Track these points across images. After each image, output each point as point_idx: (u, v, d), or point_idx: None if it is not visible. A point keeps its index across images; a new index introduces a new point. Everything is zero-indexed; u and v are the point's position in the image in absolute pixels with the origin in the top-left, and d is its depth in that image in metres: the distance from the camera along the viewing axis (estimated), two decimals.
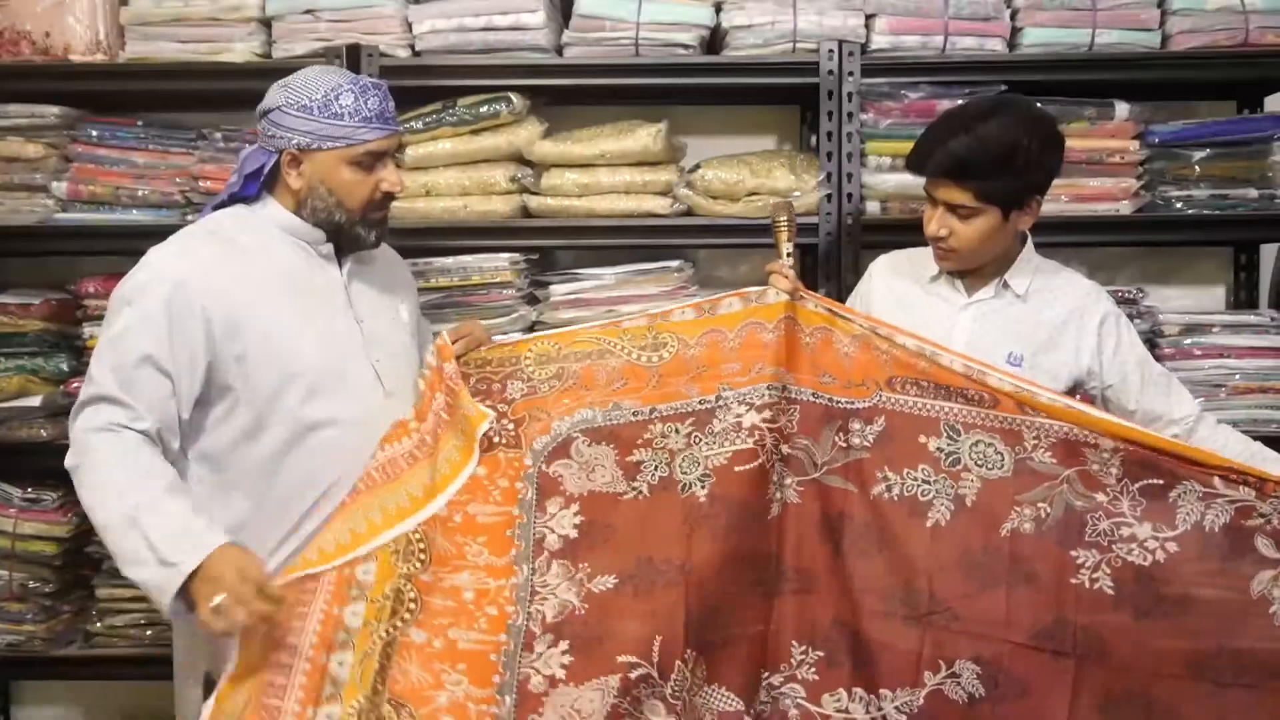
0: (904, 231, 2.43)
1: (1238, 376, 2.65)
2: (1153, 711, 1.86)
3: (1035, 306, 2.15)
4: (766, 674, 2.01)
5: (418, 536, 1.94)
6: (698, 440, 2.03)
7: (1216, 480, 1.87)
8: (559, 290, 2.68)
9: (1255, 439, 2.56)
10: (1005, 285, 2.16)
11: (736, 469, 2.02)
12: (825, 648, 2.00)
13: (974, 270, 2.17)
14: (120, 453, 1.84)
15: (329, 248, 2.02)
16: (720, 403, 2.04)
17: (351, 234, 2.01)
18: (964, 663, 1.93)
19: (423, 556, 1.94)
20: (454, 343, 2.05)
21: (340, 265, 2.04)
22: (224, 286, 1.90)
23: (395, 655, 1.91)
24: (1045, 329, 2.14)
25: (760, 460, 2.01)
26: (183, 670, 1.99)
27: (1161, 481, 1.89)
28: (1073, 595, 1.90)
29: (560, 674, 1.93)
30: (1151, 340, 2.66)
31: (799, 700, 2.01)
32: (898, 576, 1.97)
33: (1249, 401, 2.64)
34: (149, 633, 2.66)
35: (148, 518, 1.79)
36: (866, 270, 2.36)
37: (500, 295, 2.67)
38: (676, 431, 2.03)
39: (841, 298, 2.56)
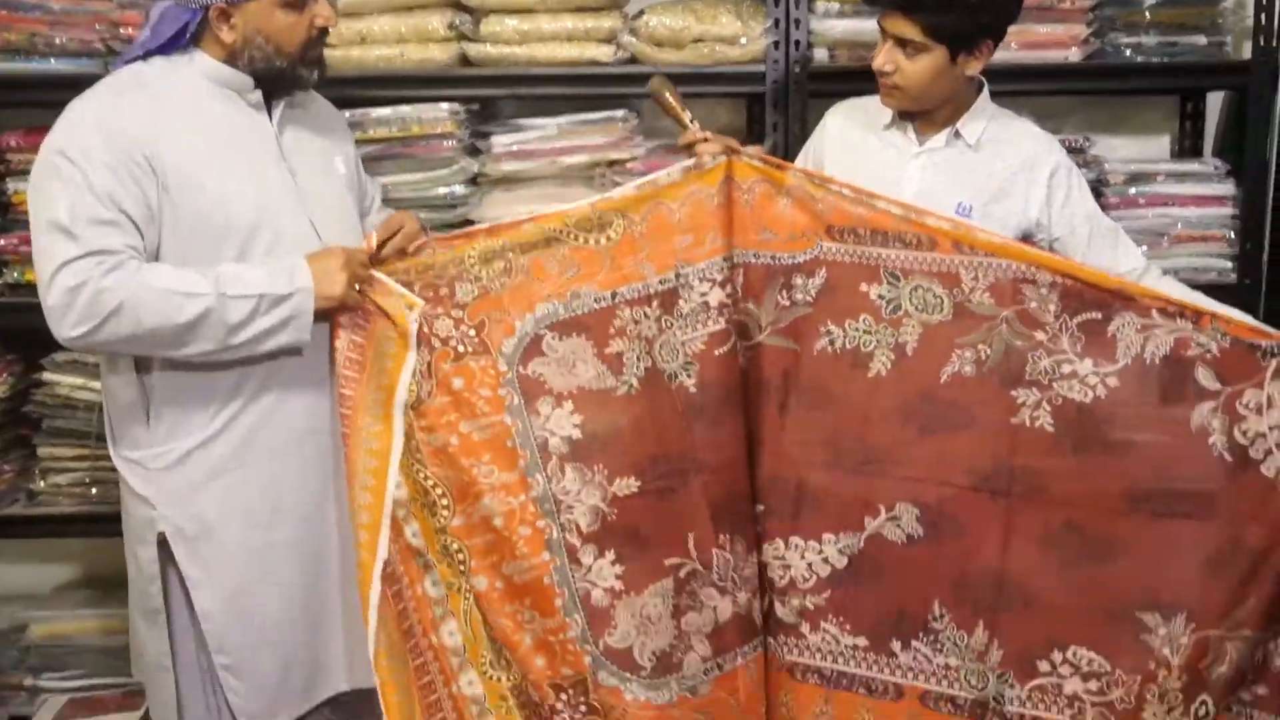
0: (852, 80, 2.38)
1: (1180, 225, 2.66)
2: (1090, 544, 1.91)
3: (987, 156, 2.13)
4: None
5: (432, 483, 1.91)
6: (669, 324, 2.03)
7: (1154, 312, 1.87)
8: (501, 141, 2.62)
9: (1195, 288, 2.60)
10: (957, 134, 2.14)
11: (716, 353, 2.04)
12: (768, 501, 2.07)
13: (926, 117, 2.14)
14: (149, 271, 1.79)
15: (258, 95, 1.94)
16: (681, 281, 2.03)
17: (293, 77, 1.94)
18: (904, 505, 1.98)
19: (445, 501, 1.92)
20: (386, 240, 1.94)
21: (270, 115, 1.97)
22: (155, 138, 1.83)
23: (484, 606, 1.94)
24: (996, 179, 2.12)
25: (734, 339, 2.04)
26: (133, 530, 1.97)
27: (1099, 315, 1.89)
28: (1013, 435, 1.93)
29: (618, 585, 1.97)
30: (1097, 189, 2.66)
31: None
32: (841, 429, 2.01)
33: (1190, 250, 2.67)
34: (94, 491, 2.65)
35: (234, 287, 1.80)
36: (821, 119, 2.32)
37: (440, 147, 2.61)
38: (646, 316, 2.01)
39: (789, 146, 2.54)
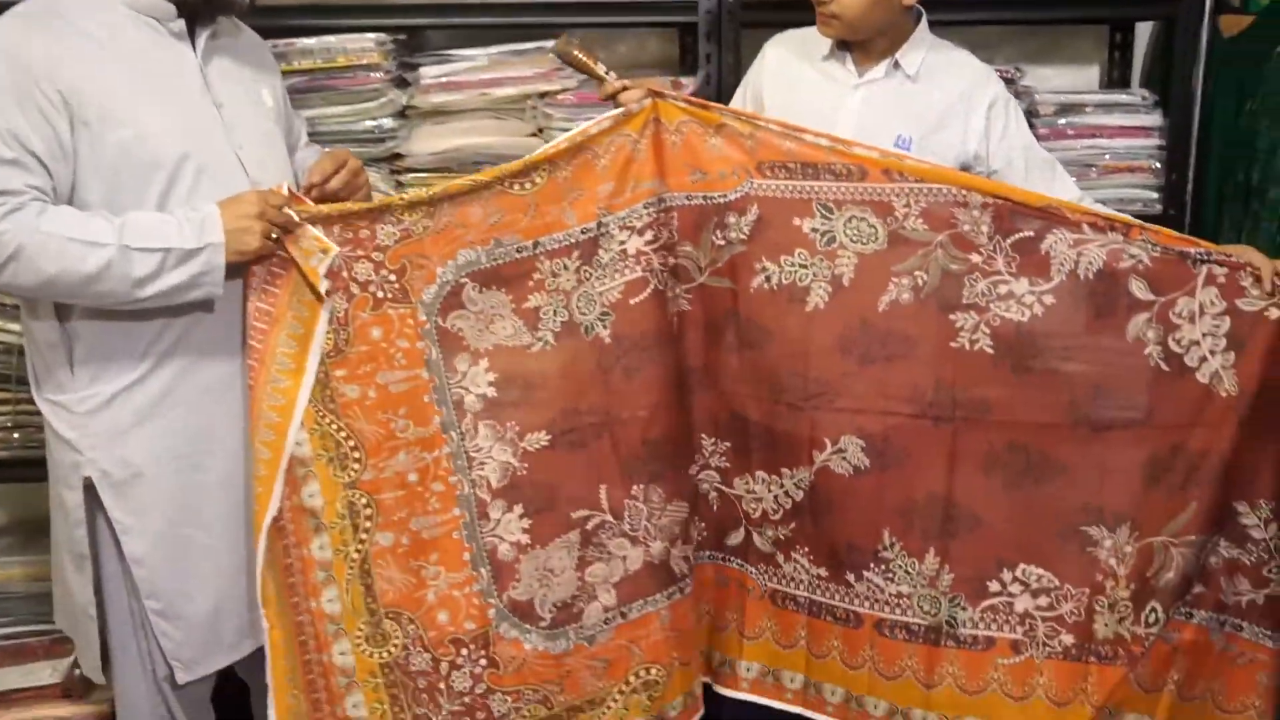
0: (787, 9, 2.35)
1: (1108, 156, 2.69)
2: (1033, 463, 1.95)
3: (926, 87, 2.13)
4: (690, 466, 2.11)
5: (344, 435, 1.89)
6: (588, 275, 2.01)
7: (1085, 227, 1.90)
8: (430, 73, 2.55)
9: None
10: (896, 65, 2.13)
11: (631, 302, 2.03)
12: (731, 438, 2.09)
13: (864, 47, 2.13)
14: (52, 215, 1.73)
15: (180, 25, 1.87)
16: (602, 230, 2.01)
17: (224, 1, 1.89)
18: (848, 438, 2.00)
19: (356, 454, 1.90)
20: (319, 182, 1.92)
21: (194, 45, 1.90)
22: (69, 71, 1.75)
23: (374, 568, 1.93)
24: (935, 110, 2.12)
25: (652, 285, 2.02)
26: (58, 474, 1.93)
27: (1032, 233, 1.92)
28: (953, 360, 1.96)
29: (525, 539, 2.00)
30: (1028, 120, 2.67)
31: (716, 485, 2.13)
32: (782, 365, 2.02)
33: (1118, 181, 2.69)
34: (16, 436, 2.58)
35: (139, 239, 1.75)
36: (758, 51, 2.29)
37: (368, 78, 2.53)
38: (565, 268, 2.00)
39: (722, 79, 2.52)
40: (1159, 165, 2.69)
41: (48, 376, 1.90)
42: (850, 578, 2.05)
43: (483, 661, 2.00)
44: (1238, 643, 1.96)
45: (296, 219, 1.84)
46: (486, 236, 1.95)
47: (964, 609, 2.01)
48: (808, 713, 2.14)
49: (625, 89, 2.03)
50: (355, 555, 1.92)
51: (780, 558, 2.10)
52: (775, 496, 2.08)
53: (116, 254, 1.73)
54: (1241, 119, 2.68)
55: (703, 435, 2.11)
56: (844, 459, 2.02)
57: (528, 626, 2.03)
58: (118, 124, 1.78)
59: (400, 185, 2.54)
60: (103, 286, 1.75)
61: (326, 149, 2.17)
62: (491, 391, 1.97)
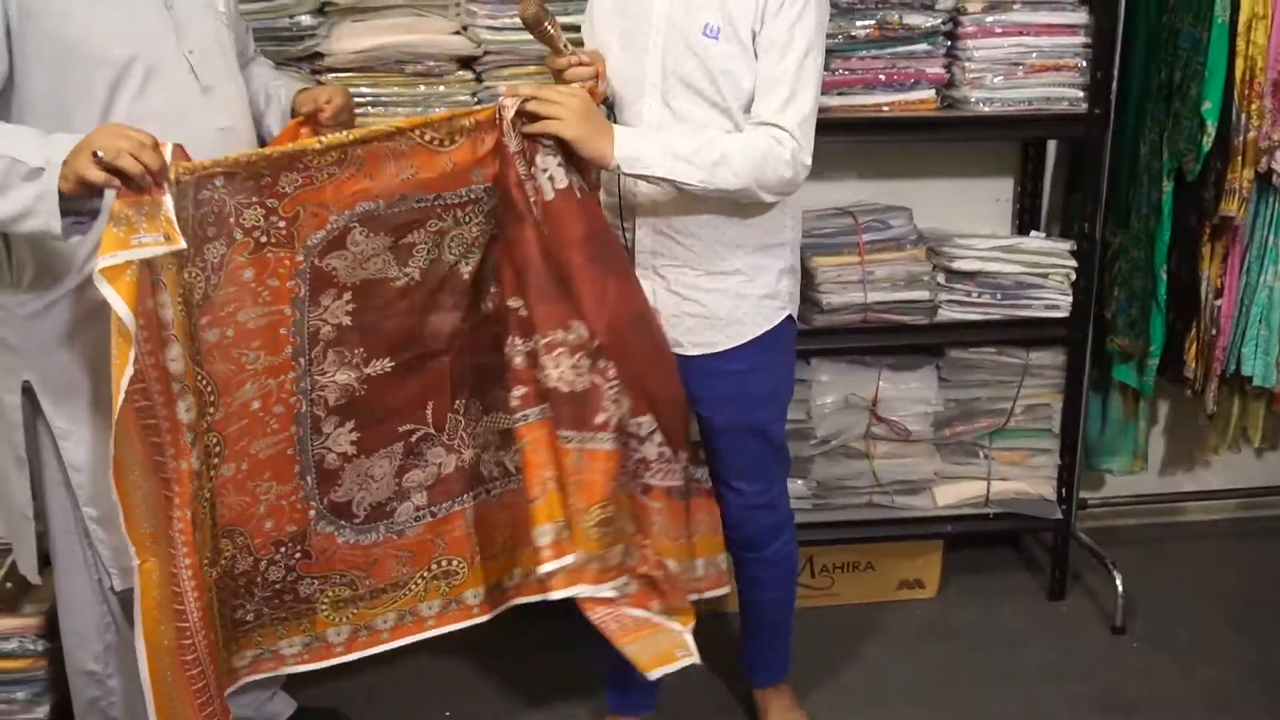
0: None
1: (1034, 55, 2.69)
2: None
3: None
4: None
5: (204, 382, 1.87)
6: (467, 220, 1.98)
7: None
8: None
9: (1049, 119, 2.68)
10: None
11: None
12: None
13: None
14: None
15: None
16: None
17: None
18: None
19: (212, 397, 1.88)
20: (325, 103, 1.95)
21: None
22: None
23: (217, 499, 1.93)
24: None
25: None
26: None
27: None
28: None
29: (351, 450, 2.06)
30: (955, 19, 2.67)
31: None
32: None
33: (1044, 80, 2.70)
34: None
35: None
36: None
37: None
38: (453, 216, 1.97)
39: None
40: (1085, 64, 2.70)
41: None
42: None
43: (297, 555, 2.07)
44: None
45: (169, 171, 1.68)
46: (393, 192, 1.89)
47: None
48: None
49: (577, 63, 1.98)
50: (207, 496, 1.91)
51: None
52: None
53: None
54: (1165, 17, 2.69)
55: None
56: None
57: (343, 523, 2.10)
58: (64, 17, 1.72)
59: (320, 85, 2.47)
60: None
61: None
62: (347, 320, 1.97)
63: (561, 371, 1.97)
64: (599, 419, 2.00)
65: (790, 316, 2.19)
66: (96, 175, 1.60)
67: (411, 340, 2.05)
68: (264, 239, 1.87)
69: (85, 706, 2.09)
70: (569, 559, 2.01)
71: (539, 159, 1.90)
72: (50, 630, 2.36)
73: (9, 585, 2.41)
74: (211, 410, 1.89)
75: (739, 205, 2.04)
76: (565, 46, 1.99)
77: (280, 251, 1.89)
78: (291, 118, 2.10)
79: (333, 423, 2.03)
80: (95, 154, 1.59)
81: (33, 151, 1.63)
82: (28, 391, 1.87)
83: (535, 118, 1.88)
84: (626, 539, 2.09)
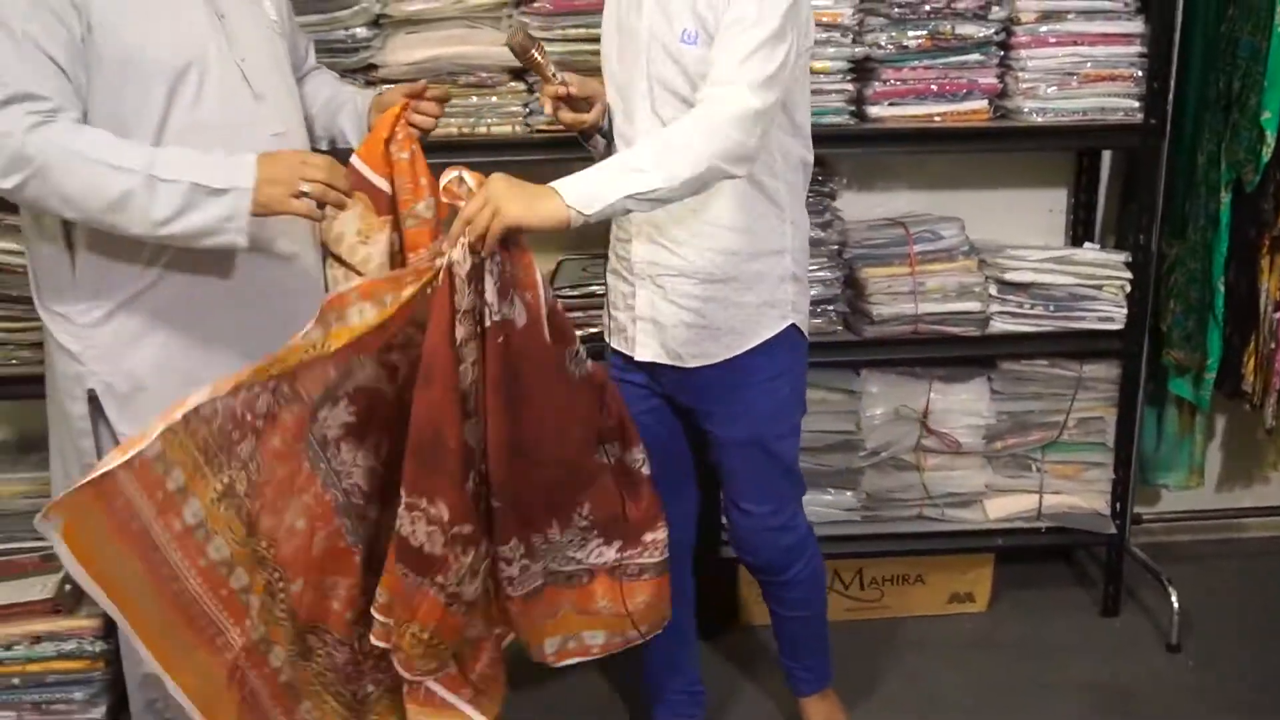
0: None
1: (1089, 65, 2.67)
2: None
3: None
4: None
5: (264, 545, 1.82)
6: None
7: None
8: None
9: (1102, 130, 2.64)
10: None
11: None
12: None
13: None
14: (84, 135, 1.72)
15: None
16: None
17: None
18: None
19: (270, 551, 1.83)
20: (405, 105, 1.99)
21: None
22: None
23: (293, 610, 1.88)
24: None
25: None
26: (61, 386, 1.93)
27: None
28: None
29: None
30: (1008, 29, 2.66)
31: None
32: None
33: (1099, 90, 2.67)
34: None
35: (168, 170, 1.71)
36: None
37: None
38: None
39: None
40: (1140, 73, 2.67)
41: (49, 286, 1.89)
42: None
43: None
44: None
45: (347, 196, 1.82)
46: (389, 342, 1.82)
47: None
48: None
49: (568, 93, 2.02)
50: (280, 615, 1.86)
51: None
52: None
53: (141, 183, 1.71)
54: (1223, 26, 2.66)
55: None
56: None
57: None
58: (123, 29, 1.76)
59: None
60: (122, 216, 1.72)
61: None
62: (351, 419, 1.86)
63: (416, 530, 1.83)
64: (440, 579, 1.87)
65: (796, 326, 2.14)
66: (299, 207, 1.77)
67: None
68: (275, 409, 1.80)
69: (142, 708, 2.12)
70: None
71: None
72: (108, 632, 2.41)
73: (68, 587, 2.46)
74: (271, 571, 1.84)
75: (732, 212, 2.03)
76: (554, 74, 2.03)
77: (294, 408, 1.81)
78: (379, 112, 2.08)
79: (376, 508, 1.91)
80: (301, 191, 1.75)
81: (210, 174, 1.73)
82: (93, 400, 1.89)
83: (482, 239, 1.71)
84: (454, 653, 2.00)
